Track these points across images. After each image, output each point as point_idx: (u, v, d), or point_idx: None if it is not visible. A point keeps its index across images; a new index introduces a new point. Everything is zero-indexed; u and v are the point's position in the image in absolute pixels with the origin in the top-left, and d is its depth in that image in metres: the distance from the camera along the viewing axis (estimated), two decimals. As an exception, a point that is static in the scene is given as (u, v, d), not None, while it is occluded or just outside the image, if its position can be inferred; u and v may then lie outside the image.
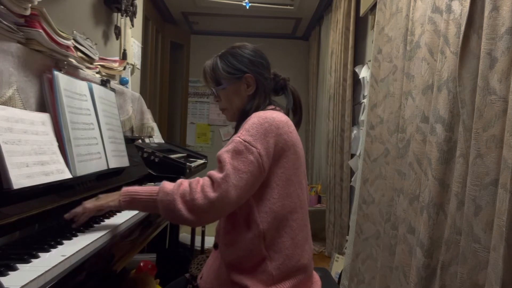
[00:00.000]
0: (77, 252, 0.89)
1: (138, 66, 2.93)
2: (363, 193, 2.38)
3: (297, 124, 1.28)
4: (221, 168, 1.05)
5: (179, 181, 1.06)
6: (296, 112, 1.31)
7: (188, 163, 2.20)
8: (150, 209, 1.12)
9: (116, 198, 1.09)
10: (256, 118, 1.12)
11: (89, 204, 1.10)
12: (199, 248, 3.10)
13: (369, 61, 2.69)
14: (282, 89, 1.32)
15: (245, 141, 1.07)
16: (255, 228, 1.11)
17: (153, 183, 1.85)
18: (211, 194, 1.01)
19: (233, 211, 1.10)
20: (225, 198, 1.01)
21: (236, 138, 1.08)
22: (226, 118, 1.32)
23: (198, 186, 1.03)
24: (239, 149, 1.06)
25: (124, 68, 2.18)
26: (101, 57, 1.83)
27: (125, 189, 1.09)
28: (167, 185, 1.06)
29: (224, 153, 1.06)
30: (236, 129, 1.26)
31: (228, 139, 1.14)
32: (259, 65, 1.26)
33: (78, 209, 1.09)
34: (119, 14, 2.46)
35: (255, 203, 1.11)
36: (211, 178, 1.04)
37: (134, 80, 2.82)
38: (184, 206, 1.01)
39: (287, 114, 1.28)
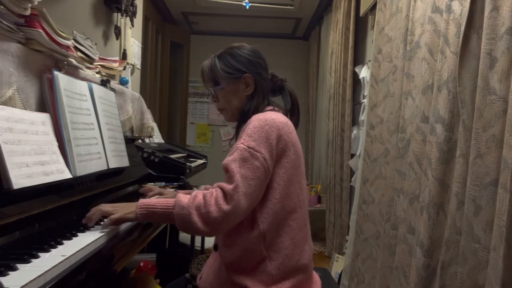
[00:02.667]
0: (77, 252, 0.89)
1: (138, 66, 2.93)
2: (363, 193, 2.38)
3: (296, 125, 1.28)
4: (230, 179, 1.06)
5: (194, 193, 1.08)
6: (294, 112, 1.31)
7: (188, 163, 2.20)
8: (166, 221, 1.16)
9: (133, 210, 1.09)
10: (257, 121, 1.12)
11: (105, 208, 1.10)
12: (199, 248, 3.10)
13: (369, 61, 2.69)
14: (279, 90, 1.32)
15: (249, 147, 1.08)
16: (255, 229, 1.11)
17: (152, 183, 1.85)
18: (225, 206, 1.03)
19: None
20: (237, 209, 1.04)
21: (240, 145, 1.09)
22: (224, 118, 1.32)
23: (212, 198, 1.04)
24: (244, 156, 1.07)
25: (124, 68, 2.18)
26: (101, 57, 1.82)
27: (142, 201, 1.10)
28: (183, 198, 1.08)
29: (231, 163, 1.07)
30: (237, 130, 1.26)
31: (228, 139, 1.15)
32: (258, 65, 1.26)
33: (93, 212, 1.09)
34: (119, 14, 2.46)
35: (258, 204, 1.12)
36: (222, 190, 1.05)
37: (134, 80, 2.82)
38: (199, 219, 1.04)
39: (286, 114, 1.28)
